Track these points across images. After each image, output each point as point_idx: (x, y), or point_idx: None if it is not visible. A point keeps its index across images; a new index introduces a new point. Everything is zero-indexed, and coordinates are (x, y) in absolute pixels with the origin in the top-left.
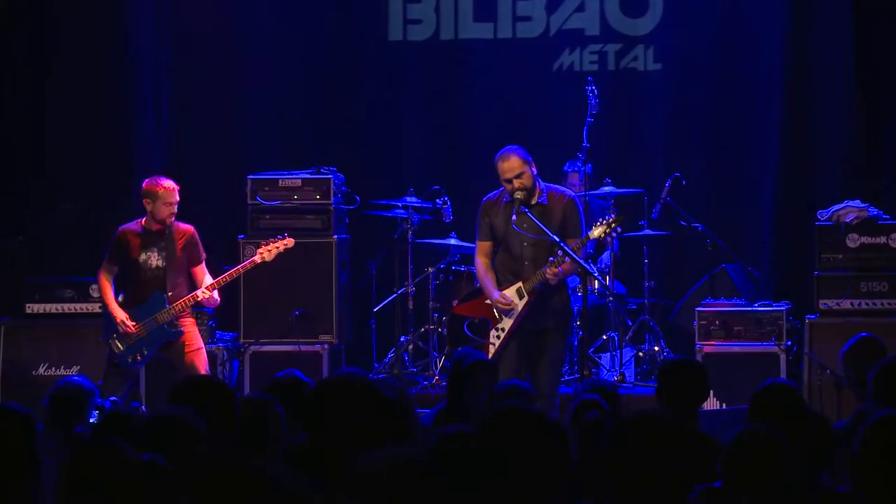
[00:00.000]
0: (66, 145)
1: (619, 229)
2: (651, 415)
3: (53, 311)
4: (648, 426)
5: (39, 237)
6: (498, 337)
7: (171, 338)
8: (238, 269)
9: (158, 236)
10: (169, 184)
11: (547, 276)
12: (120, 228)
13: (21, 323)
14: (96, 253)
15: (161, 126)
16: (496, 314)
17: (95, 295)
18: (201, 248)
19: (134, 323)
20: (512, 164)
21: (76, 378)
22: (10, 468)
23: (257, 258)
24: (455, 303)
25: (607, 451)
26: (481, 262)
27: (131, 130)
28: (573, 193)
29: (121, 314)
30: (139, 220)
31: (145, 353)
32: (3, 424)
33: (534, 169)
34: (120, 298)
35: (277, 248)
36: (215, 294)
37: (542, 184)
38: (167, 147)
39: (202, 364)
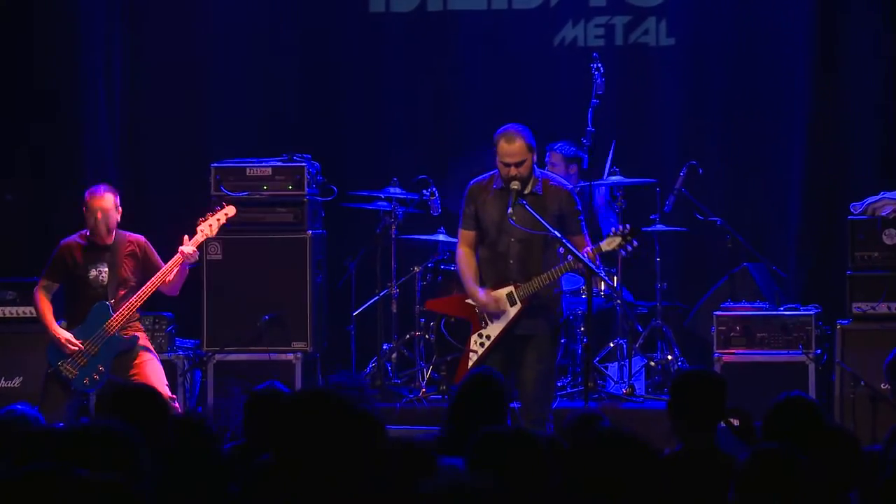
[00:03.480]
0: (4, 130)
1: (635, 243)
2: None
3: None
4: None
5: None
6: (481, 345)
7: (127, 346)
8: (177, 258)
9: (104, 249)
10: (99, 190)
11: (555, 275)
12: (62, 242)
13: None
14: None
15: (113, 108)
16: (480, 317)
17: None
18: (156, 259)
19: (82, 340)
20: (515, 149)
21: (19, 406)
22: None
23: (199, 236)
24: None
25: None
26: (463, 254)
27: (79, 112)
28: (571, 186)
29: (64, 334)
30: (84, 232)
31: (102, 370)
32: None
33: (535, 157)
34: (62, 324)
35: (218, 219)
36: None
37: (538, 171)
38: (120, 132)
39: (157, 376)
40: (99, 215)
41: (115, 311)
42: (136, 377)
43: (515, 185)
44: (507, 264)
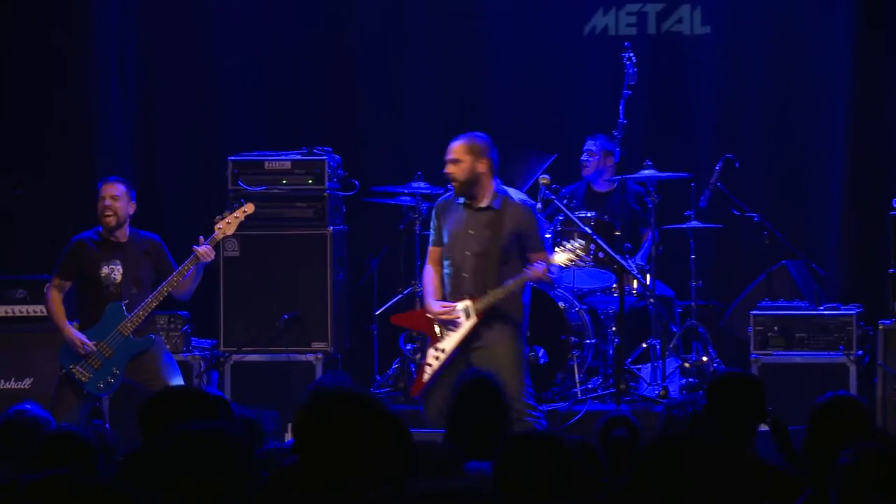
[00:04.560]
0: (13, 123)
1: (586, 258)
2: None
3: (2, 314)
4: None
5: None
6: (436, 358)
7: (142, 348)
8: (192, 258)
9: (118, 246)
10: (110, 178)
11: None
12: (74, 238)
13: None
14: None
15: (126, 102)
16: (438, 331)
17: None
18: (170, 259)
19: (96, 342)
20: (454, 146)
21: (29, 406)
22: None
23: (217, 235)
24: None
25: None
26: (428, 270)
27: (91, 107)
28: (533, 204)
29: (78, 336)
30: (97, 229)
31: (117, 373)
32: None
33: (483, 166)
34: (75, 324)
35: (237, 217)
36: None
37: (501, 187)
38: (134, 124)
39: (174, 379)
40: (107, 201)
41: (129, 312)
42: (151, 381)
43: (455, 184)
44: (462, 278)
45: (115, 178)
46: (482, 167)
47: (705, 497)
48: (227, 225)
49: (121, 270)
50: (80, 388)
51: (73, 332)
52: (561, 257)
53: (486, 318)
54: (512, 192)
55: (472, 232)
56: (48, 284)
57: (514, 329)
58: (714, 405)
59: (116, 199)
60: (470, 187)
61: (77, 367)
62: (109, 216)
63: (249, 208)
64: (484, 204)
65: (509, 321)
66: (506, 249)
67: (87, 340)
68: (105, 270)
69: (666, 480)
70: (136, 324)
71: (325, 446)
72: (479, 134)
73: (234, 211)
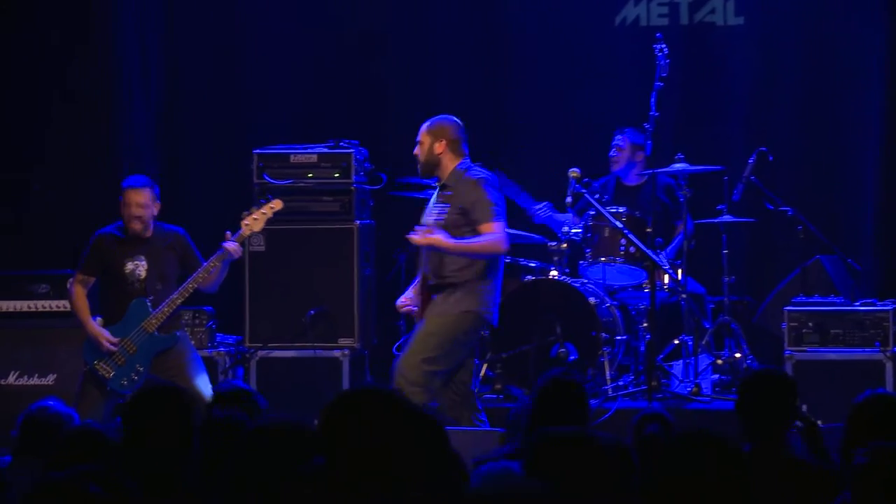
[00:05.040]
0: (33, 117)
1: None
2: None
3: (25, 309)
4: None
5: (6, 224)
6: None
7: (167, 345)
8: (220, 254)
9: (142, 242)
10: (137, 183)
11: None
12: (98, 233)
13: None
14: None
15: (149, 93)
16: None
17: None
18: (196, 253)
19: (120, 338)
20: (420, 129)
21: (52, 403)
22: None
23: (244, 231)
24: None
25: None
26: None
27: (113, 99)
28: (487, 176)
29: (102, 332)
30: (120, 223)
31: (141, 370)
32: None
33: (441, 147)
34: (99, 320)
35: (264, 213)
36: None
37: (464, 166)
38: (156, 116)
39: (200, 376)
40: (134, 210)
41: (154, 309)
42: (176, 378)
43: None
44: (420, 256)
45: (140, 181)
46: (440, 148)
47: (731, 496)
48: (254, 221)
49: (145, 266)
50: (103, 384)
51: (97, 327)
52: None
53: (440, 291)
54: (474, 169)
55: (432, 210)
56: (71, 280)
57: (452, 306)
58: (747, 402)
59: (144, 207)
60: (430, 168)
61: (101, 364)
62: (137, 224)
63: (277, 205)
64: (444, 183)
65: (452, 297)
66: (451, 224)
67: (111, 337)
68: (129, 266)
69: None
70: (161, 321)
71: (352, 446)
72: (443, 116)
73: (262, 207)
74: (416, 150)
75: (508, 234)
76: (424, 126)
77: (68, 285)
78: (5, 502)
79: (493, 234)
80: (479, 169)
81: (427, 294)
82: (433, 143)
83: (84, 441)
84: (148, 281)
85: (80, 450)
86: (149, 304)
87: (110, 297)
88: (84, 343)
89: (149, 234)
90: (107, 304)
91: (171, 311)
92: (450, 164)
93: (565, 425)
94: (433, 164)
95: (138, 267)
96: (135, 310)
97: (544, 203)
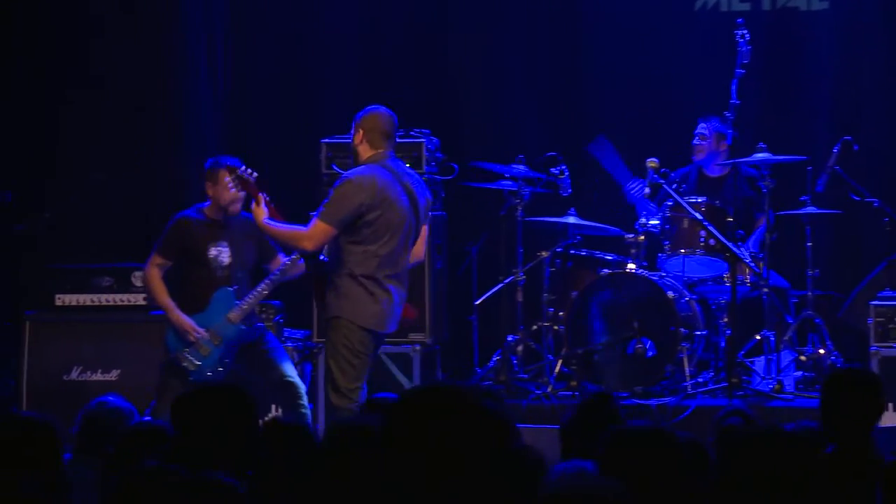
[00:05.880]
0: (96, 103)
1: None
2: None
3: (88, 303)
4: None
5: (68, 215)
6: None
7: (251, 337)
8: None
9: (224, 227)
10: (233, 160)
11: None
12: (178, 216)
13: (49, 318)
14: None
15: (216, 82)
16: None
17: (138, 284)
18: (271, 242)
19: (205, 329)
20: None
21: (111, 398)
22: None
23: None
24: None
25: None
26: None
27: (179, 88)
28: (351, 174)
29: (188, 321)
30: (200, 207)
31: (226, 362)
32: (19, 435)
33: (358, 137)
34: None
35: None
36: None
37: (374, 158)
38: (223, 107)
39: (288, 367)
40: (234, 188)
41: (238, 299)
42: (266, 370)
43: None
44: None
45: (234, 160)
46: (358, 138)
47: (808, 495)
48: None
49: (229, 253)
50: (186, 375)
51: (183, 317)
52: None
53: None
54: (366, 165)
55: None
56: (147, 262)
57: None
58: (831, 401)
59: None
60: (355, 158)
61: (185, 354)
62: (236, 205)
63: None
64: None
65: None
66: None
67: (197, 327)
68: (213, 252)
69: (765, 478)
70: (248, 313)
71: (422, 446)
72: (370, 107)
73: None
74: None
75: (330, 236)
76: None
77: (144, 268)
78: (66, 500)
79: (304, 227)
80: (367, 166)
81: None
82: (356, 133)
83: (145, 438)
84: (232, 269)
85: (140, 447)
86: (233, 293)
87: (190, 283)
88: (168, 331)
89: (236, 210)
90: (187, 292)
91: (256, 303)
92: (363, 154)
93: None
94: (355, 154)
95: (222, 253)
96: (219, 300)
97: (640, 182)
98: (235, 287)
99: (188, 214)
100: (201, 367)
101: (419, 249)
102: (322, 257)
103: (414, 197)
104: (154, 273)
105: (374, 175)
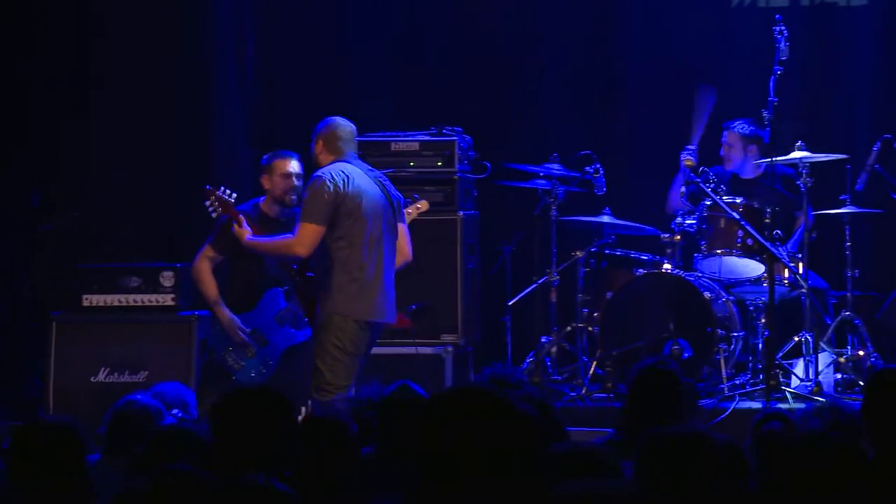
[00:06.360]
0: (124, 104)
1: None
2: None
3: (116, 303)
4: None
5: (95, 214)
6: None
7: (297, 341)
8: None
9: (280, 225)
10: (288, 154)
11: None
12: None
13: (77, 318)
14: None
15: (245, 79)
16: None
17: (167, 284)
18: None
19: (251, 329)
20: None
21: (139, 397)
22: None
23: None
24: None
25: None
26: None
27: (207, 86)
28: (321, 175)
29: (236, 321)
30: (256, 202)
31: (270, 363)
32: (44, 441)
33: (318, 148)
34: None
35: (409, 213)
36: None
37: (330, 165)
38: (252, 105)
39: None
40: (294, 180)
41: (287, 300)
42: (308, 372)
43: None
44: None
45: (289, 152)
46: (318, 148)
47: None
48: None
49: None
50: (229, 375)
51: (230, 316)
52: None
53: None
54: (330, 166)
55: None
56: (198, 254)
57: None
58: (871, 403)
59: (299, 177)
60: (316, 167)
61: (230, 354)
62: (291, 195)
63: (424, 206)
64: None
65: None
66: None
67: (244, 327)
68: None
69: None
70: (296, 316)
71: (445, 448)
72: (326, 118)
73: (407, 206)
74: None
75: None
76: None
77: (195, 262)
78: (94, 501)
79: (290, 235)
80: (333, 166)
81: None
82: (315, 144)
83: (173, 441)
84: (282, 269)
85: (168, 450)
86: (283, 295)
87: (240, 281)
88: (214, 329)
89: (282, 217)
90: (234, 288)
91: (305, 305)
92: (324, 161)
93: (662, 417)
94: (316, 163)
95: (283, 234)
96: (269, 299)
97: (689, 153)
98: (286, 288)
99: (243, 209)
100: (245, 367)
101: (404, 249)
102: (309, 273)
103: (385, 190)
104: (204, 266)
105: (341, 167)
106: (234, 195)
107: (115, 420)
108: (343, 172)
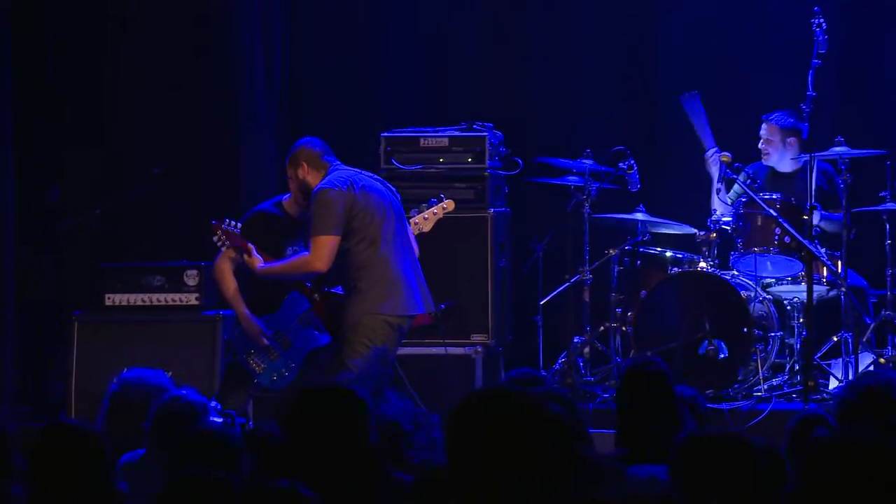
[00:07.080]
0: (151, 97)
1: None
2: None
3: (139, 303)
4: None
5: (120, 212)
6: None
7: (321, 343)
8: None
9: (303, 226)
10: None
11: None
12: (256, 209)
13: (99, 318)
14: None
15: (272, 74)
16: None
17: (191, 283)
18: None
19: (274, 331)
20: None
21: (185, 392)
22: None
23: (412, 230)
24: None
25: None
26: None
27: (234, 76)
28: (323, 186)
29: (258, 324)
30: (279, 200)
31: (293, 366)
32: (68, 446)
33: (303, 171)
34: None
35: (435, 213)
36: None
37: (328, 175)
38: (279, 100)
39: None
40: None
41: (310, 302)
42: (331, 374)
43: None
44: None
45: (318, 141)
46: (303, 172)
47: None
48: (424, 221)
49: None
50: (251, 378)
51: (252, 319)
52: (426, 224)
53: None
54: (326, 178)
55: None
56: (219, 254)
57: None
58: None
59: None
60: (305, 196)
61: (252, 357)
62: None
63: (450, 206)
64: None
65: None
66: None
67: (265, 330)
68: (289, 252)
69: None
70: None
71: (478, 450)
72: (295, 143)
73: (433, 206)
74: (290, 186)
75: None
76: (286, 161)
77: (216, 263)
78: (137, 495)
79: (305, 253)
80: (331, 177)
81: None
82: (297, 172)
83: (208, 445)
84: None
85: (203, 453)
86: (306, 298)
87: (263, 282)
88: (236, 332)
89: (303, 217)
90: (257, 289)
91: (327, 303)
92: (314, 181)
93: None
94: (307, 189)
95: (297, 254)
96: (291, 301)
97: (717, 152)
98: (308, 290)
99: (265, 208)
100: (267, 370)
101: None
102: (336, 289)
103: (384, 185)
104: (226, 266)
105: (338, 175)
106: (239, 225)
107: (160, 416)
108: (342, 178)
